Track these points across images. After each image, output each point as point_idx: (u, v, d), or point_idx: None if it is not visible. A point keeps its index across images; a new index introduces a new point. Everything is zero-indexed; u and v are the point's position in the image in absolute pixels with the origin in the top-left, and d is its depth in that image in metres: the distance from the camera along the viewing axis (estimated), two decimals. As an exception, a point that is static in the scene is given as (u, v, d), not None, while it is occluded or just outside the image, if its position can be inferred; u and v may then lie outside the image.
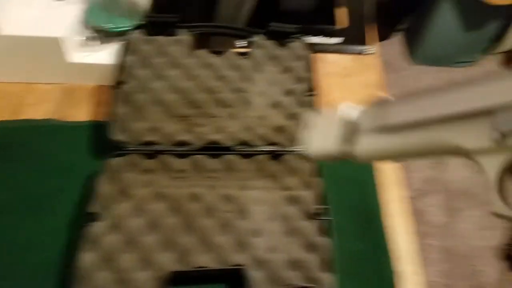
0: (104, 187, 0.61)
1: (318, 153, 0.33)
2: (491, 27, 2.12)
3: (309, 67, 0.80)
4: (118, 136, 0.67)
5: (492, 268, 1.64)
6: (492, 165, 0.22)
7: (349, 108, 0.32)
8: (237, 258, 0.58)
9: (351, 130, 0.31)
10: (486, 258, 1.66)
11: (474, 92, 0.23)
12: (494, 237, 1.71)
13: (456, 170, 1.90)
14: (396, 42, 2.45)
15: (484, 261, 1.65)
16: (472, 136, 0.22)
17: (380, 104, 0.30)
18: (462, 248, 1.68)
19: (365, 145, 0.29)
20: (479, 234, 1.72)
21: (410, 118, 0.26)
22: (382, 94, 0.72)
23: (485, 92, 0.22)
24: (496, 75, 0.23)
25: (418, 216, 1.74)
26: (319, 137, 0.33)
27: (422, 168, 1.89)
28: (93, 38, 0.78)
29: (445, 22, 2.11)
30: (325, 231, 0.62)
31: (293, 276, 0.58)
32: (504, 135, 0.21)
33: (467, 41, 2.18)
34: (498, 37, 2.24)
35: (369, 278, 0.64)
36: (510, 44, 2.27)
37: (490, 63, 2.39)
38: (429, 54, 2.28)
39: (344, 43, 0.97)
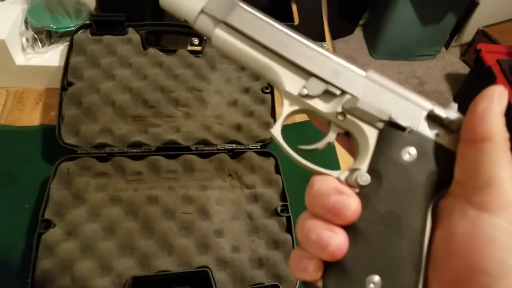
0: (56, 192, 0.63)
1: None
2: (449, 20, 2.27)
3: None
4: (68, 139, 0.69)
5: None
6: (287, 108, 0.31)
7: None
8: (200, 260, 0.61)
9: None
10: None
11: (311, 53, 0.31)
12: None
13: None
14: (357, 37, 2.59)
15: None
16: (290, 82, 0.31)
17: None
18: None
19: (218, 32, 0.32)
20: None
21: (253, 34, 0.31)
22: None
23: (318, 60, 0.31)
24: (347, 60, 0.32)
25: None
26: None
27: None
28: (38, 40, 0.79)
29: (402, 16, 2.25)
30: (287, 227, 0.67)
31: (258, 274, 0.62)
32: (306, 95, 0.31)
33: (426, 34, 2.32)
34: (456, 30, 2.41)
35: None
36: (468, 36, 2.43)
37: (450, 55, 2.56)
38: (389, 48, 2.40)
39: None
